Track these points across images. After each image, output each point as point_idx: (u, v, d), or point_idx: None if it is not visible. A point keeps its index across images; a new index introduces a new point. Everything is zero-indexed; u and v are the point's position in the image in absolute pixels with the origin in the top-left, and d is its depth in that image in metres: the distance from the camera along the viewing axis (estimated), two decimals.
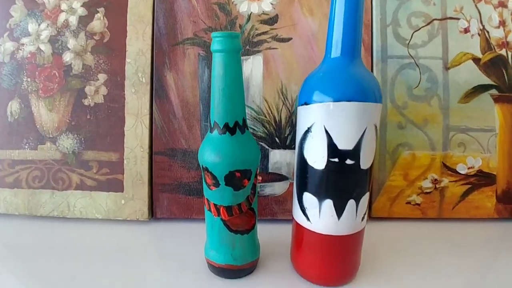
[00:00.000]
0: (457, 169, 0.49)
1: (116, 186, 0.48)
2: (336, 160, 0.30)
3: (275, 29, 0.47)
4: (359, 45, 0.31)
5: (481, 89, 0.49)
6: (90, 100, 0.49)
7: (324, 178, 0.31)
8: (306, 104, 0.31)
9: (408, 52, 0.48)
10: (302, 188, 0.34)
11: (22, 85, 0.50)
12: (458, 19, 0.49)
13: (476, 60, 0.49)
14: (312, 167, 0.32)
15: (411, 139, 0.48)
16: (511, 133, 0.49)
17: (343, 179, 0.31)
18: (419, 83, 0.48)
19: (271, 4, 0.47)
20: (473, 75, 0.48)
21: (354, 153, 0.30)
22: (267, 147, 0.47)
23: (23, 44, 0.50)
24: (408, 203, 0.49)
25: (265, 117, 0.47)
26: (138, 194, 0.48)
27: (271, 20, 0.47)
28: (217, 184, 0.33)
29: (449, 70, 0.48)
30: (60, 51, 0.49)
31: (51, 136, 0.49)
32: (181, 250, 0.42)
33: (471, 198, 0.49)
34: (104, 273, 0.38)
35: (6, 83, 0.50)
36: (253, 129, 0.48)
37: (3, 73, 0.50)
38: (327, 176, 0.31)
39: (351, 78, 0.30)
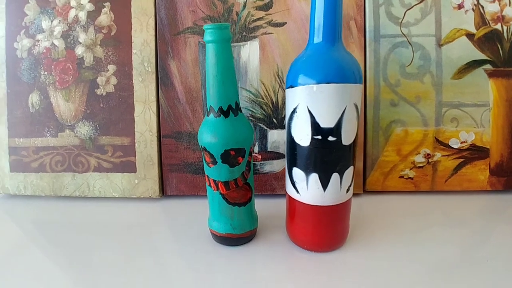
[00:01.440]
0: (450, 144, 0.50)
1: (129, 167, 0.53)
2: (319, 137, 0.33)
3: (270, 14, 0.49)
4: (340, 31, 0.33)
5: (474, 64, 0.50)
6: (102, 90, 0.53)
7: (309, 154, 0.35)
8: (291, 87, 0.34)
9: (401, 31, 0.49)
10: (291, 163, 0.37)
11: (40, 79, 0.54)
12: None
13: (470, 35, 0.49)
14: (299, 144, 0.35)
15: (403, 116, 0.50)
16: (505, 107, 0.50)
17: (326, 154, 0.34)
18: (411, 61, 0.49)
19: None
20: (467, 51, 0.49)
21: (336, 130, 0.33)
22: (265, 127, 0.51)
23: (38, 40, 0.54)
24: (401, 177, 0.51)
25: (263, 99, 0.50)
26: (149, 174, 0.53)
27: (266, 6, 0.49)
28: (214, 162, 0.37)
29: (442, 47, 0.49)
30: (72, 45, 0.53)
31: (69, 124, 0.54)
32: (189, 223, 0.47)
33: (464, 171, 0.51)
34: (121, 245, 0.43)
35: (25, 77, 0.55)
36: (252, 111, 0.51)
37: (23, 68, 0.55)
38: (312, 152, 0.34)
39: (331, 61, 0.32)
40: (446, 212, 0.48)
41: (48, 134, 0.55)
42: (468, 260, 0.38)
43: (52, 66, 0.54)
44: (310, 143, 0.34)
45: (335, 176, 0.35)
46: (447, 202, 0.50)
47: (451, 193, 0.51)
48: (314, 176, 0.35)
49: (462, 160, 0.51)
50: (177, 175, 0.53)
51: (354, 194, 0.51)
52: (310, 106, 0.33)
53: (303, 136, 0.34)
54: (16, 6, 0.55)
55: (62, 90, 0.54)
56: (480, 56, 0.49)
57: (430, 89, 0.50)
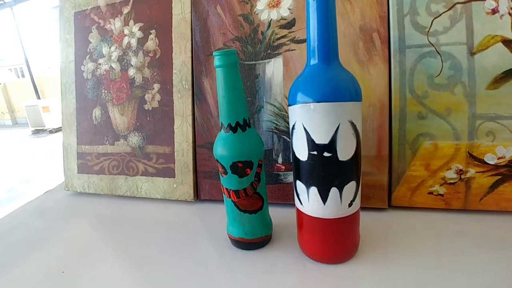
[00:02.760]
0: (485, 159, 0.47)
1: (169, 173, 0.60)
2: (315, 152, 0.35)
3: (293, 32, 0.52)
4: (335, 51, 0.34)
5: None
6: (149, 105, 0.61)
7: (308, 168, 0.36)
8: (290, 105, 0.36)
9: (428, 40, 0.47)
10: (295, 176, 0.39)
11: (101, 96, 0.65)
12: (484, 0, 0.46)
13: (506, 42, 0.45)
14: (299, 159, 0.37)
15: (432, 129, 0.48)
16: None
17: (323, 169, 0.35)
18: (440, 71, 0.47)
19: (289, 9, 0.52)
20: (503, 59, 0.45)
21: (330, 146, 0.34)
22: (288, 139, 0.53)
23: (100, 64, 0.65)
24: (431, 193, 0.49)
25: (286, 113, 0.53)
26: (186, 179, 0.59)
27: (289, 24, 0.52)
28: (225, 172, 0.41)
29: (475, 55, 0.46)
30: (126, 68, 0.62)
31: (123, 134, 0.63)
32: (216, 226, 0.51)
33: (502, 189, 0.46)
34: (161, 240, 0.49)
35: (90, 94, 0.66)
36: (276, 124, 0.53)
37: (88, 87, 0.66)
38: (310, 166, 0.36)
39: (324, 81, 0.34)
40: (479, 234, 0.44)
41: (107, 143, 0.65)
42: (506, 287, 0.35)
43: (111, 86, 0.64)
44: (308, 157, 0.36)
45: (334, 191, 0.36)
46: (481, 222, 0.46)
47: (487, 212, 0.47)
48: (314, 189, 0.37)
49: (499, 177, 0.46)
50: (210, 181, 0.58)
51: (378, 209, 0.50)
52: (305, 123, 0.35)
53: (301, 151, 0.36)
54: (82, 35, 0.66)
55: (118, 105, 0.63)
56: None
57: (462, 101, 0.47)
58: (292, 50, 0.52)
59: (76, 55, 0.66)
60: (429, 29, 0.47)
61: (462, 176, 0.48)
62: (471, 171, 0.47)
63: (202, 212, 0.57)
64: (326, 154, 0.35)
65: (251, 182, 0.41)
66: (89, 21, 0.65)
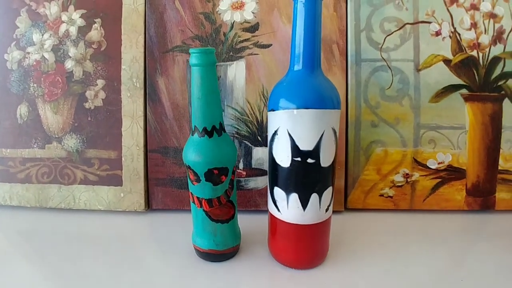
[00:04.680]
0: (428, 164, 0.52)
1: (115, 180, 0.54)
2: (299, 159, 0.35)
3: (256, 36, 0.51)
4: (319, 58, 0.35)
5: (451, 89, 0.52)
6: (91, 104, 0.54)
7: (289, 175, 0.36)
8: (273, 110, 0.36)
9: (381, 55, 0.52)
10: (273, 183, 0.38)
11: (29, 91, 0.55)
12: (430, 22, 0.52)
13: (447, 61, 0.52)
14: (280, 165, 0.36)
15: (383, 137, 0.52)
16: (481, 130, 0.52)
17: (305, 175, 0.35)
18: (391, 84, 0.52)
19: (252, 13, 0.51)
20: (444, 76, 0.52)
21: (315, 153, 0.34)
22: (250, 144, 0.52)
23: (28, 53, 0.55)
24: (381, 195, 0.53)
25: (248, 117, 0.52)
26: (135, 188, 0.53)
27: (253, 28, 0.51)
28: (198, 180, 0.38)
29: (420, 72, 0.52)
30: (62, 59, 0.54)
31: (57, 136, 0.55)
32: (174, 237, 0.47)
33: (442, 191, 0.53)
34: (105, 258, 0.43)
35: (15, 88, 0.55)
36: (237, 128, 0.52)
37: (12, 79, 0.55)
38: (292, 173, 0.36)
39: (310, 88, 0.34)
40: (424, 231, 0.49)
41: (35, 146, 0.55)
42: (445, 278, 0.39)
43: (42, 79, 0.55)
44: (290, 164, 0.35)
45: (314, 196, 0.36)
46: (425, 220, 0.52)
47: (429, 212, 0.53)
48: (294, 196, 0.36)
49: (439, 180, 0.53)
50: (163, 189, 0.53)
51: (336, 211, 0.52)
52: (290, 129, 0.34)
53: (283, 157, 0.36)
54: (7, 18, 0.56)
55: (50, 102, 0.54)
56: (457, 81, 0.52)
57: (408, 112, 0.52)
58: (255, 54, 0.51)
59: None
60: (382, 45, 0.52)
61: (408, 180, 0.53)
62: (416, 175, 0.53)
63: (155, 223, 0.52)
64: (309, 160, 0.35)
65: (226, 190, 0.39)
66: (17, 2, 0.54)
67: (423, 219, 0.52)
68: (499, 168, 0.53)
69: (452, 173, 0.53)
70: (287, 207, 0.37)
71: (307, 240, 0.39)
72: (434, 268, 0.41)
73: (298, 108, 0.33)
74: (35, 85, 0.55)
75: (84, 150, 0.54)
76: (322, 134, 0.34)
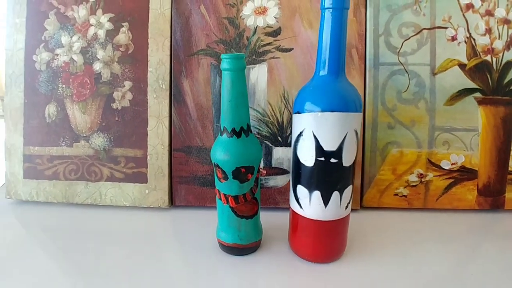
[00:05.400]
0: (441, 165, 0.54)
1: (141, 178, 0.56)
2: (323, 159, 0.37)
3: (278, 40, 0.53)
4: (343, 65, 0.37)
5: (466, 92, 0.54)
6: (118, 104, 0.56)
7: (313, 173, 0.38)
8: (298, 113, 0.38)
9: (398, 60, 0.53)
10: (296, 181, 0.40)
11: (58, 91, 0.57)
12: (446, 28, 0.53)
13: (462, 65, 0.53)
14: (304, 164, 0.38)
15: (399, 138, 0.54)
16: (493, 133, 0.54)
17: (328, 174, 0.37)
18: (407, 88, 0.53)
19: (275, 18, 0.53)
20: (459, 80, 0.53)
21: (337, 153, 0.36)
22: (270, 144, 0.54)
23: (57, 55, 0.57)
24: (396, 194, 0.55)
25: (269, 118, 0.54)
26: (160, 185, 0.56)
27: (275, 32, 0.53)
28: (226, 178, 0.40)
29: (436, 76, 0.53)
30: (91, 61, 0.57)
31: (84, 135, 0.57)
32: (196, 233, 0.49)
33: (454, 191, 0.55)
34: (130, 252, 0.45)
35: (43, 88, 0.58)
36: (259, 129, 0.54)
37: (40, 80, 0.58)
38: (315, 172, 0.38)
39: (335, 92, 0.36)
40: (437, 229, 0.51)
41: (63, 144, 0.58)
42: (457, 275, 0.41)
43: (70, 80, 0.57)
44: (314, 163, 0.37)
45: (335, 194, 0.38)
46: (438, 219, 0.54)
47: (442, 211, 0.55)
48: (317, 194, 0.38)
49: (452, 180, 0.54)
50: (186, 186, 0.56)
51: (352, 210, 0.54)
52: (315, 131, 0.36)
53: (308, 157, 0.38)
54: (36, 21, 0.58)
55: (79, 102, 0.57)
56: (471, 84, 0.53)
57: (424, 114, 0.53)
58: (277, 58, 0.53)
59: (27, 42, 0.58)
60: (400, 49, 0.53)
61: (422, 179, 0.55)
62: (430, 175, 0.54)
63: (178, 219, 0.55)
64: (332, 160, 0.37)
65: (251, 188, 0.41)
66: (46, 5, 0.57)
67: (436, 218, 0.54)
68: (509, 169, 0.54)
69: (465, 173, 0.55)
70: (309, 204, 0.39)
71: (326, 235, 0.41)
72: (446, 264, 0.43)
73: (323, 111, 0.36)
74: (63, 85, 0.57)
75: (111, 149, 0.57)
76: (345, 136, 0.36)
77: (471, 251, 0.46)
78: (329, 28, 0.35)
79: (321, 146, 0.36)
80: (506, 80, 0.54)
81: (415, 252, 0.45)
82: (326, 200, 0.38)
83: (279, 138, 0.54)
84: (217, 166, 0.40)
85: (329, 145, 0.36)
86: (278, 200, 0.55)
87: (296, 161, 0.39)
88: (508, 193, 0.55)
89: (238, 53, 0.37)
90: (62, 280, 0.40)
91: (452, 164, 0.54)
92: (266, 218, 0.51)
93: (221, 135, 0.40)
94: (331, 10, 0.34)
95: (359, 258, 0.44)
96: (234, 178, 0.40)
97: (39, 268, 0.42)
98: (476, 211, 0.55)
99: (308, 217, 0.40)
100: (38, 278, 0.40)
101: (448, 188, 0.54)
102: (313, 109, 0.36)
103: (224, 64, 0.37)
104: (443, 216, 0.54)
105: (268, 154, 0.54)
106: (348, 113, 0.36)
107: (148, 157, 0.56)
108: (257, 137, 0.54)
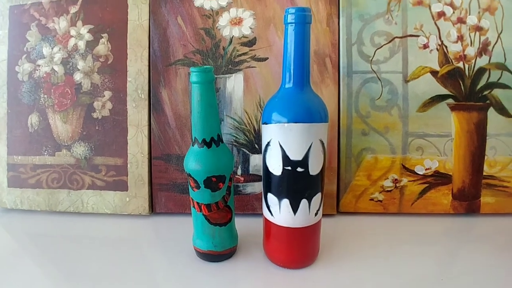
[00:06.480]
0: (415, 170, 0.55)
1: (121, 186, 0.57)
2: (289, 168, 0.38)
3: (254, 50, 0.54)
4: (308, 76, 0.38)
5: (438, 99, 0.55)
6: (98, 114, 0.57)
7: (281, 182, 0.39)
8: (266, 123, 0.39)
9: (371, 68, 0.55)
10: (266, 189, 0.41)
11: (40, 101, 0.58)
12: (418, 36, 0.55)
13: (434, 73, 0.55)
14: (272, 173, 0.40)
15: (373, 144, 0.55)
16: (466, 138, 0.55)
17: (295, 183, 0.39)
18: (380, 95, 0.55)
19: (250, 28, 0.54)
20: (431, 87, 0.55)
21: (303, 162, 0.38)
22: (248, 152, 0.55)
23: (39, 65, 0.58)
24: (372, 199, 0.56)
25: (246, 126, 0.55)
26: (140, 192, 0.57)
27: (250, 42, 0.54)
28: (198, 187, 0.41)
29: (409, 83, 0.55)
30: (71, 72, 0.58)
31: (66, 144, 0.58)
32: (176, 239, 0.50)
33: (429, 195, 0.56)
34: (111, 259, 0.46)
35: (26, 99, 0.59)
36: (236, 137, 0.55)
37: (23, 90, 0.59)
38: (283, 181, 0.39)
39: (299, 104, 0.37)
40: (412, 233, 0.52)
41: (45, 153, 0.59)
42: (432, 279, 0.42)
43: (52, 90, 0.58)
44: (282, 172, 0.39)
45: (304, 202, 0.39)
46: (413, 223, 0.55)
47: (417, 215, 0.56)
48: (286, 201, 0.39)
49: (426, 185, 0.55)
50: (166, 194, 0.57)
51: (328, 215, 0.56)
52: (281, 141, 0.37)
53: (276, 166, 0.39)
54: (18, 32, 0.59)
55: (60, 112, 0.58)
56: (443, 91, 0.55)
57: (397, 121, 0.55)
58: (252, 67, 0.55)
59: (10, 53, 0.59)
60: (372, 58, 0.55)
61: (397, 185, 0.56)
62: (404, 180, 0.56)
63: (159, 226, 0.56)
64: (299, 169, 0.38)
65: (223, 196, 0.42)
66: (27, 17, 0.58)
67: (411, 222, 0.55)
68: (484, 173, 0.56)
69: (439, 178, 0.56)
70: (279, 212, 0.40)
71: (298, 242, 0.42)
72: (422, 268, 0.44)
73: (288, 122, 0.37)
74: (45, 95, 0.58)
75: (92, 157, 0.58)
76: (311, 145, 0.37)
77: (447, 255, 0.47)
78: (293, 42, 0.36)
79: (287, 156, 0.38)
80: (479, 86, 0.55)
81: (391, 256, 0.46)
82: (295, 207, 0.39)
83: (256, 146, 0.55)
84: (190, 175, 0.41)
85: (295, 155, 0.37)
86: (255, 206, 0.56)
87: (266, 170, 0.41)
88: (483, 197, 0.56)
89: (206, 66, 0.38)
90: (46, 286, 0.41)
91: (426, 169, 0.55)
92: (244, 224, 0.52)
93: (192, 145, 0.41)
94: (293, 25, 0.36)
95: (334, 262, 0.45)
96: (206, 187, 0.41)
97: (24, 274, 0.43)
98: (451, 215, 0.56)
99: (279, 224, 0.41)
100: (22, 283, 0.41)
101: (422, 193, 0.56)
102: (279, 120, 0.37)
103: (193, 77, 0.38)
104: (419, 221, 0.55)
105: (246, 161, 0.55)
106: (312, 124, 0.37)
107: (128, 165, 0.57)
108: (235, 145, 0.55)
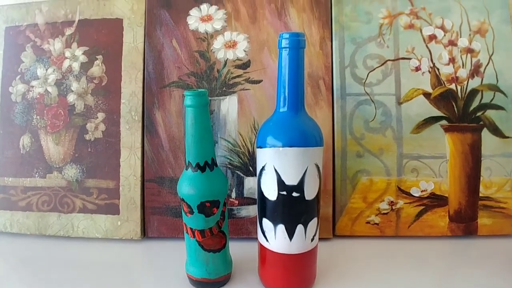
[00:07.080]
0: (411, 192, 0.55)
1: (113, 209, 0.56)
2: (285, 193, 0.37)
3: (248, 72, 0.55)
4: (302, 100, 0.38)
5: (432, 120, 0.55)
6: (91, 135, 0.57)
7: (276, 207, 0.38)
8: (260, 147, 0.38)
9: (364, 90, 0.55)
10: (261, 214, 0.40)
11: (32, 122, 0.58)
12: (410, 59, 0.55)
13: (427, 94, 0.55)
14: (267, 198, 0.39)
15: (368, 166, 0.55)
16: (461, 159, 0.55)
17: (291, 208, 0.38)
18: (374, 117, 0.55)
19: (244, 51, 0.55)
20: (424, 108, 0.55)
21: (299, 187, 0.37)
22: (242, 174, 0.55)
23: (33, 86, 0.58)
24: (368, 222, 0.55)
25: (240, 149, 0.55)
26: (132, 216, 0.56)
27: (244, 65, 0.55)
28: (191, 212, 0.40)
29: (402, 105, 0.55)
30: (65, 93, 0.57)
31: (57, 166, 0.57)
32: (168, 265, 0.49)
33: (425, 217, 0.55)
34: (102, 285, 0.45)
35: (18, 120, 0.58)
36: (230, 159, 0.55)
37: (16, 111, 0.58)
38: (278, 206, 0.38)
39: (294, 128, 0.37)
40: (409, 256, 0.51)
41: (36, 175, 0.57)
42: None
43: (45, 111, 0.58)
44: (277, 197, 0.38)
45: (300, 227, 0.39)
46: (410, 246, 0.54)
47: (414, 238, 0.55)
48: (281, 227, 0.39)
49: (423, 207, 0.55)
50: (159, 217, 0.56)
51: (324, 238, 0.55)
52: (276, 165, 0.37)
53: (271, 191, 0.38)
54: (13, 53, 0.59)
55: (52, 134, 0.57)
56: (437, 113, 0.55)
57: (391, 142, 0.55)
58: (246, 89, 0.55)
59: (4, 74, 0.58)
60: (365, 80, 0.55)
61: (393, 207, 0.55)
62: (400, 203, 0.55)
63: (151, 251, 0.54)
64: (294, 194, 0.37)
65: (217, 221, 0.41)
66: (23, 38, 0.58)
67: (408, 245, 0.54)
68: (480, 195, 0.55)
69: (435, 200, 0.55)
70: (275, 238, 0.39)
71: (294, 268, 0.41)
72: None
73: (283, 146, 0.36)
74: (38, 117, 0.58)
75: (84, 180, 0.56)
76: (306, 170, 0.37)
77: (445, 278, 0.46)
78: (287, 67, 0.36)
79: (282, 181, 0.37)
80: (472, 107, 0.55)
81: (389, 280, 0.45)
82: (290, 233, 0.39)
83: (250, 168, 0.54)
84: (183, 200, 0.41)
85: (291, 180, 0.37)
86: (250, 230, 0.55)
87: (261, 194, 0.40)
88: (480, 219, 0.55)
89: (200, 90, 0.38)
90: None
91: (422, 191, 0.55)
92: (238, 248, 0.51)
93: (186, 169, 0.41)
94: (288, 49, 0.36)
95: (331, 287, 0.43)
96: (200, 212, 0.40)
97: None
98: (448, 237, 0.56)
99: (275, 250, 0.40)
100: None
101: (419, 215, 0.55)
102: (274, 144, 0.37)
103: (187, 101, 0.38)
104: (416, 243, 0.54)
105: (240, 184, 0.55)
106: (307, 148, 0.37)
107: (121, 188, 0.56)
108: (229, 167, 0.55)
